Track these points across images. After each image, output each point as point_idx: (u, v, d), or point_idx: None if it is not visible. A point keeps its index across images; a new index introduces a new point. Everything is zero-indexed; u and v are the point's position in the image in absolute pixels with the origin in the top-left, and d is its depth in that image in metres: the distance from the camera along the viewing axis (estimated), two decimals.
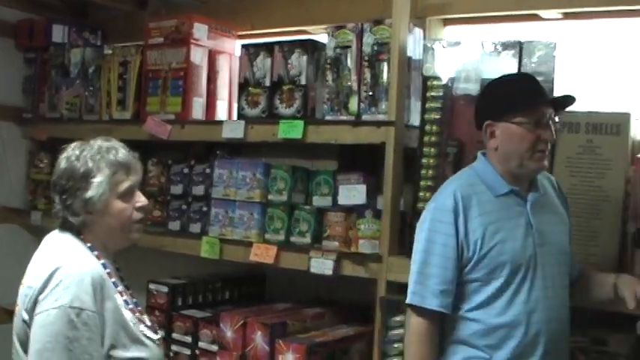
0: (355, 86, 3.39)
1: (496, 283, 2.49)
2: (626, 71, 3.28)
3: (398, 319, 3.13)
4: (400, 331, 3.12)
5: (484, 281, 2.50)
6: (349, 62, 3.42)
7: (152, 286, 3.88)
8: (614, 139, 2.97)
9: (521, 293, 2.49)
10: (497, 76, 2.74)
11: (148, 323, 2.62)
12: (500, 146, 2.55)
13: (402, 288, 3.18)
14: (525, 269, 2.50)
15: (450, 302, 2.52)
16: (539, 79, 3.00)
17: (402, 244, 3.29)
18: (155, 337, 2.59)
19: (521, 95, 2.54)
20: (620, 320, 2.73)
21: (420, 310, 2.54)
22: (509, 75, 2.72)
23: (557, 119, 2.58)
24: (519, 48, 3.08)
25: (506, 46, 3.10)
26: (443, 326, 2.59)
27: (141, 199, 2.63)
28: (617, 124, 2.96)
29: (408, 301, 2.58)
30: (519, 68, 3.06)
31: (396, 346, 3.14)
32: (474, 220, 2.51)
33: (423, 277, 2.54)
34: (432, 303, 2.51)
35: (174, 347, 3.69)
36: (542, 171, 2.61)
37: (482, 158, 2.65)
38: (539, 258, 2.53)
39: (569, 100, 2.59)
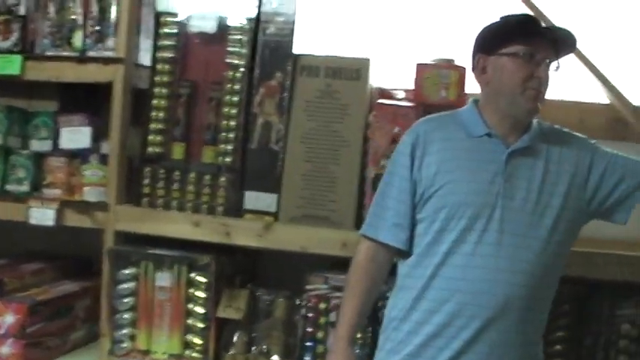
0: (80, 20, 3.10)
1: (436, 226, 2.25)
2: (367, 16, 3.28)
3: (128, 271, 2.96)
4: (131, 284, 2.96)
5: (428, 223, 2.27)
6: None
7: None
8: (353, 83, 2.94)
9: (466, 243, 2.21)
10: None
11: None
12: (491, 81, 2.30)
13: (131, 238, 3.03)
14: (474, 217, 2.21)
15: (405, 238, 2.32)
16: (279, 20, 2.96)
17: (131, 191, 3.10)
18: None
19: (517, 24, 2.29)
20: None
21: (371, 241, 2.37)
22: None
23: (555, 64, 2.29)
24: None
25: None
26: (398, 270, 2.38)
27: None
28: (357, 68, 2.94)
29: (362, 232, 2.40)
30: (259, 7, 2.96)
31: (126, 300, 2.96)
32: (432, 155, 2.30)
33: (380, 209, 2.37)
34: (386, 236, 2.33)
35: None
36: (534, 113, 2.30)
37: (470, 103, 2.40)
38: (497, 211, 2.21)
39: (569, 39, 2.28)
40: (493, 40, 2.30)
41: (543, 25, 2.30)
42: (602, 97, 3.28)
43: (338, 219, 2.91)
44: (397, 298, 2.34)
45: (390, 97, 3.01)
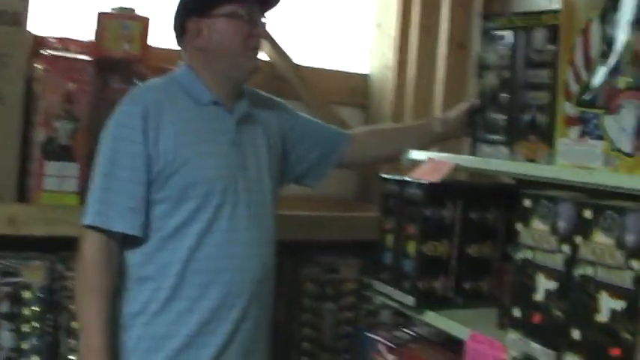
0: None
1: (189, 205, 2.07)
2: None
3: None
4: None
5: (175, 202, 2.08)
6: None
7: None
8: (10, 29, 2.48)
9: (220, 220, 2.09)
10: None
11: None
12: (208, 44, 2.16)
13: None
14: (223, 192, 2.11)
15: (141, 223, 2.07)
16: None
17: None
18: None
19: None
20: (349, 248, 2.74)
21: (102, 233, 2.05)
22: None
23: (264, 20, 2.24)
24: None
25: None
26: (126, 259, 2.12)
27: None
28: (14, 11, 2.48)
29: (88, 222, 2.05)
30: None
31: None
32: (166, 127, 2.09)
33: (108, 194, 2.06)
34: (120, 225, 2.05)
35: None
36: (255, 73, 2.25)
37: (183, 66, 2.22)
38: (240, 183, 2.15)
39: None
40: (205, 1, 2.17)
41: None
42: (262, 54, 3.21)
43: None
44: (137, 290, 2.11)
45: (54, 47, 2.61)
